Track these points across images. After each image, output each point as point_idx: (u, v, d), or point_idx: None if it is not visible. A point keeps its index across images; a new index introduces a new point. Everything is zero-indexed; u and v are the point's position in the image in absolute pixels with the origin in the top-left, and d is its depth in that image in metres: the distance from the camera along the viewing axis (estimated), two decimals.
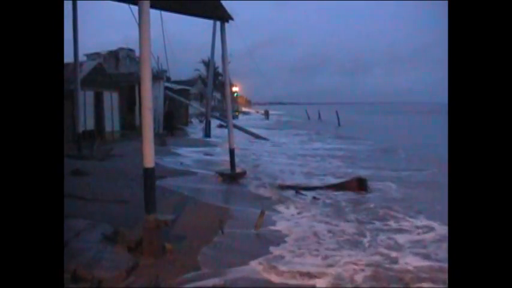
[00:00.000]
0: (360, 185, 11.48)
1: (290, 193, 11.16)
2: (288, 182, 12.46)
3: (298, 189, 11.39)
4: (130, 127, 26.58)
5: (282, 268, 5.93)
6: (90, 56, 33.48)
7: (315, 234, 7.61)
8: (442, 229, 7.73)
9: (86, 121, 21.78)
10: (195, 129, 35.69)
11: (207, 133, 29.91)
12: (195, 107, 42.68)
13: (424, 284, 5.62)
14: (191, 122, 42.00)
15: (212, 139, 28.06)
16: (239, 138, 24.96)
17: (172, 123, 30.75)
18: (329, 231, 7.80)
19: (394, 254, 6.64)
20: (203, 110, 36.08)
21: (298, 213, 9.24)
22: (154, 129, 7.22)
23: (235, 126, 32.81)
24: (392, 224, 8.50)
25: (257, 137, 30.40)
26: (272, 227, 7.94)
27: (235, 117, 43.73)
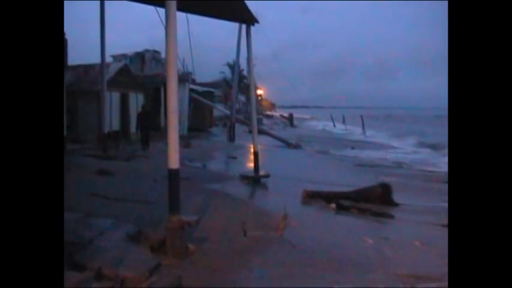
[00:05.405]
0: (383, 192, 11.25)
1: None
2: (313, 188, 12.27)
3: (321, 196, 11.20)
4: (156, 128, 26.68)
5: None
6: (117, 57, 33.92)
7: None
8: None
9: (112, 122, 22.01)
10: (219, 132, 35.71)
11: (231, 137, 28.92)
12: (219, 109, 42.78)
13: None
14: (216, 124, 42.10)
15: (236, 143, 27.48)
16: None
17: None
18: None
19: None
20: (228, 112, 36.00)
21: None
22: (179, 130, 7.27)
23: (263, 132, 32.75)
24: None
25: (288, 144, 29.97)
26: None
27: (259, 121, 43.51)
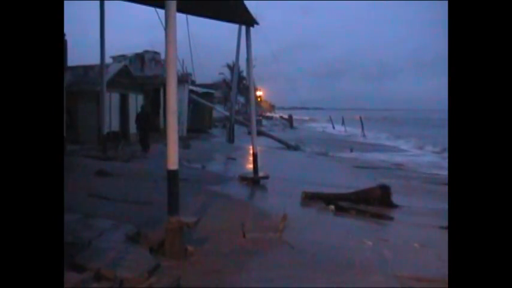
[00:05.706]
0: (383, 194, 11.21)
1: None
2: (313, 190, 12.22)
3: (320, 198, 11.17)
4: (155, 129, 26.59)
5: None
6: (116, 58, 33.91)
7: None
8: None
9: (111, 122, 22.00)
10: (219, 133, 35.67)
11: (231, 138, 28.99)
12: (219, 110, 42.78)
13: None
14: (215, 125, 42.10)
15: (235, 144, 27.50)
16: None
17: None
18: None
19: None
20: (227, 113, 35.99)
21: None
22: (179, 131, 7.28)
23: (263, 133, 32.71)
24: None
25: (288, 145, 29.91)
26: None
27: (258, 122, 43.45)
